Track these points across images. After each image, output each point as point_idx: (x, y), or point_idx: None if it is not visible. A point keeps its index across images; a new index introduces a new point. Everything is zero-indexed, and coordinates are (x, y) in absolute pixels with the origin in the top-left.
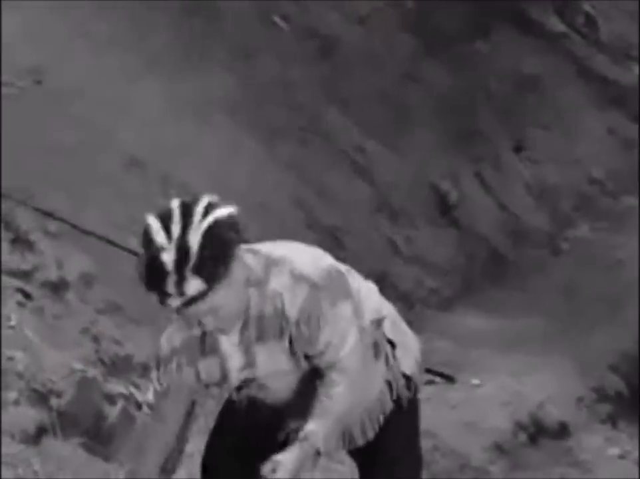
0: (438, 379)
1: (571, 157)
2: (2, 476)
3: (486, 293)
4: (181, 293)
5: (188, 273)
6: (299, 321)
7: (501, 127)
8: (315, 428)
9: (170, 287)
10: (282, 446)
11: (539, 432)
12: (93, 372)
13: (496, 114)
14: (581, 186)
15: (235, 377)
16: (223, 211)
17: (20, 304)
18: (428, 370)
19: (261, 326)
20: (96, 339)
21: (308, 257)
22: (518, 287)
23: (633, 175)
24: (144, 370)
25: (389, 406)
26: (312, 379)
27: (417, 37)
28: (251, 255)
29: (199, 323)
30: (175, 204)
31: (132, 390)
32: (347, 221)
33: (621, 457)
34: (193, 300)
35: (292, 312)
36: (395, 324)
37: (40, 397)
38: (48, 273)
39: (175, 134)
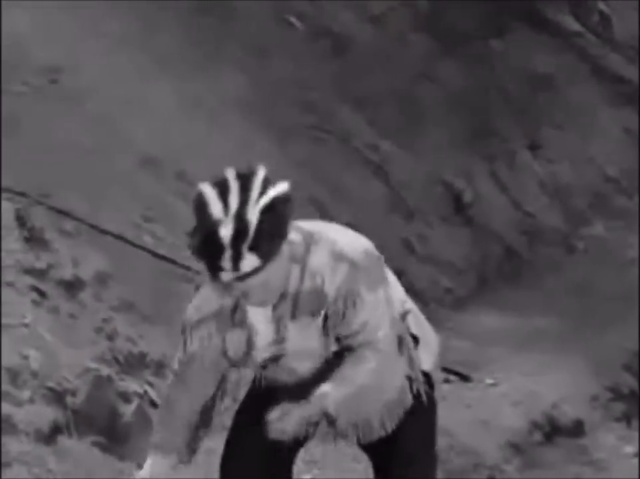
0: (453, 378)
1: (585, 155)
2: (17, 475)
3: (501, 291)
4: (235, 268)
5: (245, 249)
6: (337, 300)
7: (515, 126)
8: (329, 390)
9: (225, 262)
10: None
11: (553, 430)
12: (108, 370)
13: (511, 113)
14: (596, 185)
15: (260, 353)
16: (280, 188)
17: (35, 302)
18: (443, 369)
19: (298, 303)
20: (110, 338)
21: (348, 238)
22: (533, 285)
23: None
24: (159, 368)
25: (409, 401)
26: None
27: (431, 36)
28: (293, 231)
29: (242, 296)
30: (231, 175)
31: (147, 388)
32: (361, 221)
33: (636, 455)
34: (246, 276)
35: (330, 290)
36: (418, 319)
37: (55, 396)
38: (63, 272)
39: (189, 133)
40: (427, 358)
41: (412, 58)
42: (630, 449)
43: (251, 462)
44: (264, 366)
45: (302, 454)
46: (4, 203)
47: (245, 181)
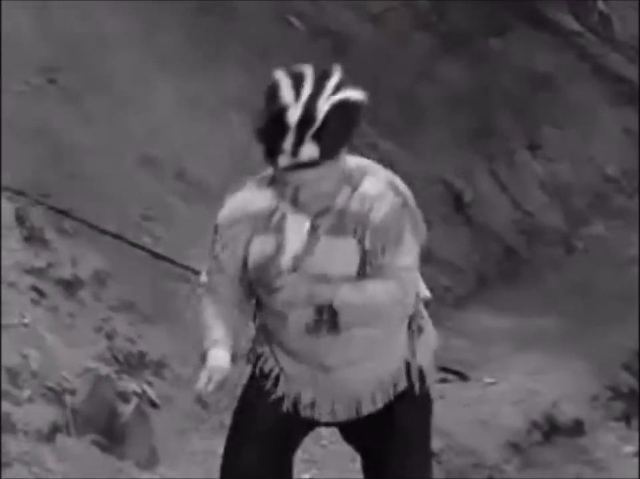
0: (451, 377)
1: (585, 155)
2: (17, 474)
3: (500, 291)
4: (294, 153)
5: (308, 136)
6: (380, 230)
7: (515, 125)
8: (343, 286)
9: (287, 145)
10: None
11: (553, 430)
12: (107, 370)
13: (511, 112)
14: (596, 184)
15: (286, 261)
16: (355, 93)
17: (34, 302)
18: (442, 368)
19: (340, 220)
20: (109, 337)
21: (400, 181)
22: (532, 285)
23: None
24: (158, 367)
25: (402, 384)
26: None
27: (431, 35)
28: (351, 158)
29: (294, 192)
30: (308, 69)
31: (146, 388)
32: None
33: (636, 455)
34: (302, 165)
35: (377, 216)
36: (424, 312)
37: (54, 395)
38: (63, 271)
39: (189, 133)
40: (424, 354)
41: (412, 58)
42: (630, 449)
43: (251, 461)
44: (271, 291)
45: (301, 454)
46: (3, 202)
47: (321, 76)
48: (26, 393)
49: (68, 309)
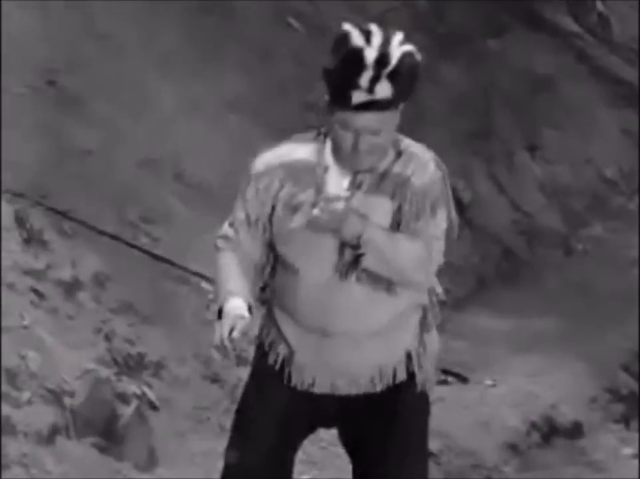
0: (451, 379)
1: (584, 157)
2: (16, 476)
3: (499, 292)
4: (370, 90)
5: (384, 74)
6: (418, 192)
7: (514, 127)
8: (375, 225)
9: (364, 81)
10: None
11: (552, 432)
12: (106, 371)
13: (509, 113)
14: (595, 186)
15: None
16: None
17: (33, 303)
18: (442, 370)
19: (380, 180)
20: (109, 339)
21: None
22: (531, 286)
23: None
24: (157, 369)
25: (402, 375)
26: None
27: (430, 37)
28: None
29: (354, 138)
30: (372, 25)
31: (145, 389)
32: None
33: (635, 457)
34: (376, 104)
35: (418, 181)
36: (438, 311)
37: (54, 397)
38: (62, 273)
39: (189, 134)
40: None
41: None
42: (629, 450)
43: (253, 461)
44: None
45: (300, 455)
46: (3, 204)
47: (386, 31)
48: (26, 395)
49: (68, 311)
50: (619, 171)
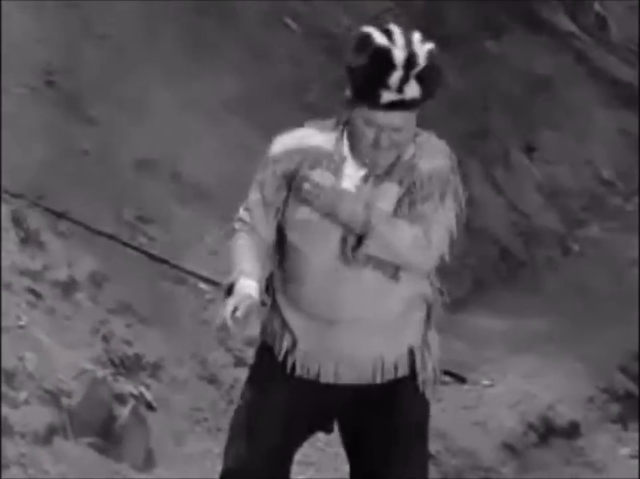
0: (448, 379)
1: (582, 157)
2: (13, 476)
3: (497, 293)
4: (400, 90)
5: (413, 75)
6: (425, 177)
7: (512, 127)
8: (379, 210)
9: (394, 81)
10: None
11: (549, 432)
12: (103, 372)
13: (507, 114)
14: (592, 186)
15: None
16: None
17: (30, 304)
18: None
19: (391, 167)
20: (106, 339)
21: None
22: (529, 287)
23: None
24: (154, 369)
25: (403, 370)
26: None
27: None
28: None
29: (376, 134)
30: (391, 25)
31: (142, 390)
32: None
33: (632, 457)
34: (405, 104)
35: (426, 166)
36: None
37: (51, 397)
38: (59, 273)
39: (187, 134)
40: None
41: None
42: (626, 450)
43: (252, 461)
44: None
45: (297, 456)
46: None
47: (406, 31)
48: (23, 395)
49: (65, 311)
50: (617, 172)
